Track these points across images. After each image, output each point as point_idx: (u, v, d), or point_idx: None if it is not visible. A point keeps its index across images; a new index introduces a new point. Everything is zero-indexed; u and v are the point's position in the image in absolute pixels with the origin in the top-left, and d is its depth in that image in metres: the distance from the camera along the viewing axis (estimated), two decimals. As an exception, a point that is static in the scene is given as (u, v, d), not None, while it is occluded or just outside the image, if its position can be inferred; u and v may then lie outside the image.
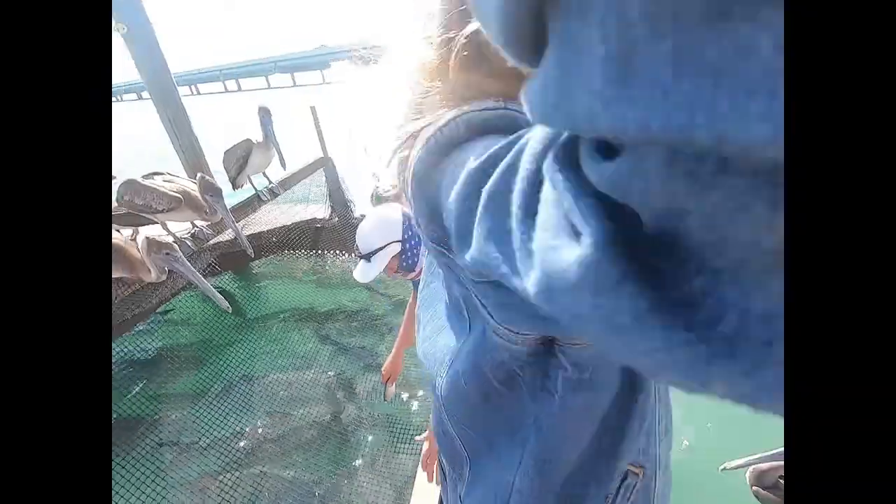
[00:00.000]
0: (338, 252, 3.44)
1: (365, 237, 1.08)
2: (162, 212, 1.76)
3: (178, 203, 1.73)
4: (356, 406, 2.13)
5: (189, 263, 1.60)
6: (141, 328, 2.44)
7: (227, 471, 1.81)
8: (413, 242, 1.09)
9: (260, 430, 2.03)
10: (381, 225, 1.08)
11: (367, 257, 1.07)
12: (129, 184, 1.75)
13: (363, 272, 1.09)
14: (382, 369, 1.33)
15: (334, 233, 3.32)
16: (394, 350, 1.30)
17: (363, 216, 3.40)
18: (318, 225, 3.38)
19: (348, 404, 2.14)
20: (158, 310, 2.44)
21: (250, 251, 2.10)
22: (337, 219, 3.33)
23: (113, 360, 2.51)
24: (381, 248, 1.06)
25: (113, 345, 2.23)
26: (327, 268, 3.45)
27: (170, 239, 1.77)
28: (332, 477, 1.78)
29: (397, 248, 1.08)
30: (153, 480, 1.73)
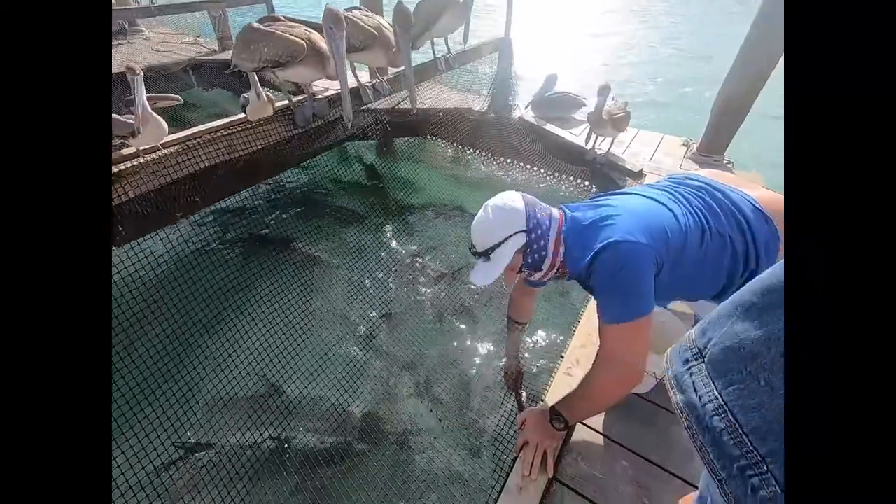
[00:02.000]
0: (481, 151, 3.29)
1: (482, 230, 0.93)
2: (356, 50, 1.73)
3: (373, 39, 1.67)
4: (465, 297, 2.15)
5: (343, 48, 1.55)
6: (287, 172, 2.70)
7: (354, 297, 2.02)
8: (540, 232, 0.92)
9: (380, 286, 2.19)
10: (501, 215, 0.92)
11: (487, 254, 0.92)
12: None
13: (483, 273, 0.94)
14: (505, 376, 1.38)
15: (487, 129, 3.14)
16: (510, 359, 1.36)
17: (521, 119, 3.14)
18: (473, 117, 3.21)
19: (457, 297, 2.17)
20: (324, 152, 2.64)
21: (415, 107, 2.05)
22: (493, 114, 3.12)
23: (285, 185, 2.89)
24: (502, 242, 0.91)
25: (288, 171, 2.52)
26: (466, 163, 3.36)
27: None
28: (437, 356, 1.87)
29: (522, 240, 0.92)
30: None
